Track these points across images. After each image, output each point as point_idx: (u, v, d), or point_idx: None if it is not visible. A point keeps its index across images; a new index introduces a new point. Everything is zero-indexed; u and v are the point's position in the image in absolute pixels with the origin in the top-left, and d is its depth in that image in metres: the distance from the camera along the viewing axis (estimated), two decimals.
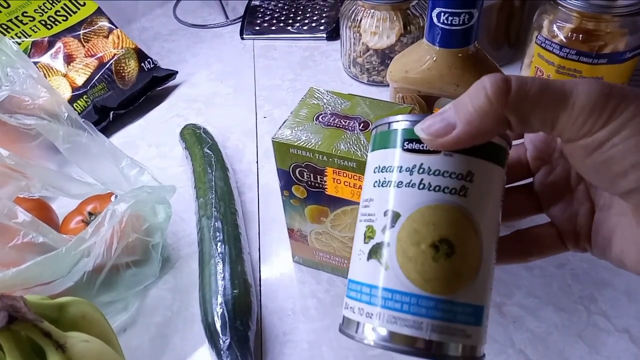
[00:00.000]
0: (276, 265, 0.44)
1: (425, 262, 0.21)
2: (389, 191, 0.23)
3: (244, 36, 0.71)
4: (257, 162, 0.54)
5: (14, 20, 0.55)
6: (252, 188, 0.51)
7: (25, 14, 0.57)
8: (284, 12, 0.73)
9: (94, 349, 0.30)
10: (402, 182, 0.22)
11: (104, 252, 0.38)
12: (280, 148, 0.35)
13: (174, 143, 0.55)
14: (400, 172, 0.22)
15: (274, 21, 0.72)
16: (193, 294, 0.41)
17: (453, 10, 0.34)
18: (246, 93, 0.63)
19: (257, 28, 0.72)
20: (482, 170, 0.22)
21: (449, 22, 0.35)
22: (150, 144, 0.56)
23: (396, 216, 0.22)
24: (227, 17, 0.75)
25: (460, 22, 0.35)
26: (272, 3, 0.75)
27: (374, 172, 0.24)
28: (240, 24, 0.73)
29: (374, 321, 0.22)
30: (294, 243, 0.42)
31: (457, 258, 0.21)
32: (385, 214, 0.22)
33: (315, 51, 0.68)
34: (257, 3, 0.76)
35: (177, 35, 0.73)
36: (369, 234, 0.23)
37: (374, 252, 0.23)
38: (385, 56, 0.58)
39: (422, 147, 0.22)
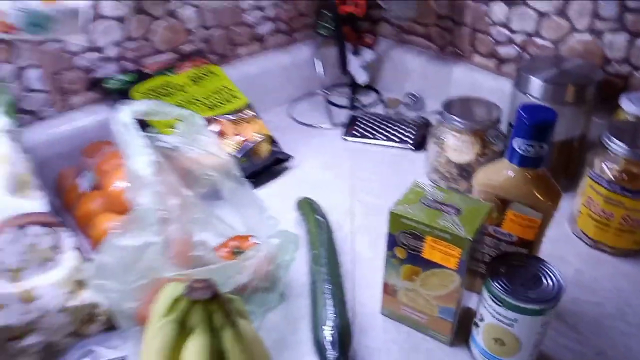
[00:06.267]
0: (365, 313, 0.55)
1: (491, 346, 0.47)
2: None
3: (345, 137, 0.89)
4: (351, 234, 0.67)
5: (191, 100, 0.75)
6: (347, 253, 0.64)
7: (196, 99, 0.76)
8: (379, 125, 0.91)
9: (252, 331, 0.43)
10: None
11: (250, 275, 0.51)
12: (395, 217, 0.48)
13: (287, 210, 0.70)
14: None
15: (370, 130, 0.90)
16: (300, 324, 0.53)
17: (529, 142, 0.49)
18: (344, 181, 0.78)
19: (356, 133, 0.89)
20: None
21: (525, 150, 0.49)
22: (269, 208, 0.71)
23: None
24: (331, 122, 0.94)
25: (534, 151, 0.49)
26: (371, 117, 0.93)
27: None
28: (342, 128, 0.91)
29: None
30: (386, 297, 0.54)
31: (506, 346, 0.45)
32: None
33: (402, 157, 0.84)
34: (357, 115, 0.94)
35: (292, 130, 0.91)
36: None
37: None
38: (463, 169, 0.72)
39: None
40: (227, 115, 0.76)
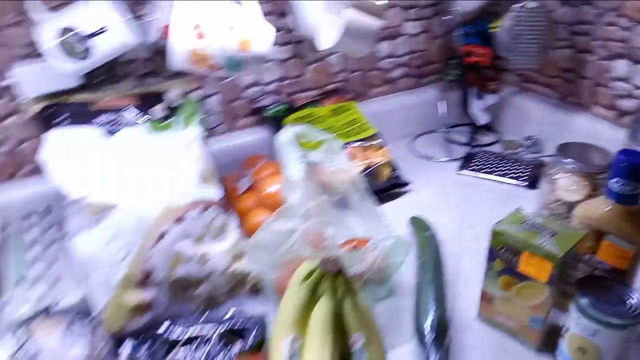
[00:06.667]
0: (462, 317, 0.64)
1: (574, 355, 0.53)
2: None
3: (460, 172, 0.98)
4: (457, 253, 0.75)
5: (330, 128, 0.90)
6: (450, 267, 0.72)
7: (332, 127, 0.91)
8: (495, 162, 0.99)
9: (366, 305, 0.54)
10: None
11: (366, 267, 0.63)
12: (496, 234, 0.57)
13: (400, 226, 0.80)
14: None
15: (485, 166, 0.98)
16: (403, 317, 0.63)
17: (624, 181, 0.54)
18: (455, 209, 0.87)
19: (471, 168, 0.98)
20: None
21: (621, 188, 0.55)
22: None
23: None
24: (449, 157, 1.03)
25: (628, 190, 0.55)
26: (488, 155, 1.01)
27: None
28: (459, 162, 1.00)
29: None
30: (483, 303, 0.62)
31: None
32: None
33: (514, 193, 0.90)
34: (475, 152, 1.03)
35: (411, 161, 1.02)
36: None
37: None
38: (572, 207, 0.77)
39: None
40: (357, 142, 0.90)
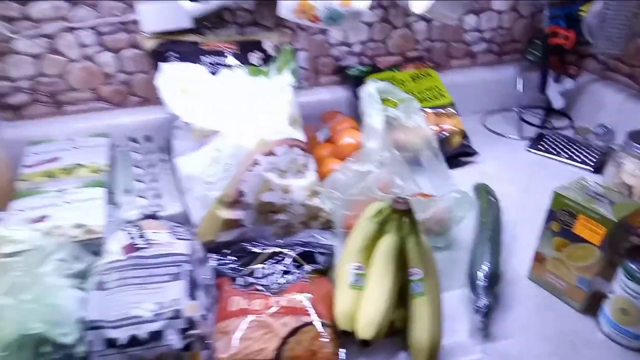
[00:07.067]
0: (513, 274, 0.69)
1: (616, 315, 0.58)
2: None
3: (529, 150, 1.01)
4: (516, 220, 0.80)
5: (408, 92, 0.96)
6: (508, 231, 0.77)
7: (412, 92, 0.97)
8: (564, 145, 1.01)
9: (427, 244, 0.60)
10: None
11: (430, 215, 0.69)
12: (558, 196, 0.61)
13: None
14: None
15: (555, 148, 1.00)
16: (458, 266, 0.69)
17: None
18: (518, 182, 0.90)
19: (541, 147, 1.00)
20: None
21: None
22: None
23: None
24: (520, 135, 1.06)
25: None
26: (558, 137, 1.03)
27: None
28: (528, 141, 1.03)
29: None
30: (536, 264, 0.67)
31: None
32: None
33: (578, 176, 0.92)
34: (546, 133, 1.05)
35: (482, 134, 1.06)
36: None
37: None
38: (632, 189, 0.79)
39: None
40: (432, 108, 0.95)
